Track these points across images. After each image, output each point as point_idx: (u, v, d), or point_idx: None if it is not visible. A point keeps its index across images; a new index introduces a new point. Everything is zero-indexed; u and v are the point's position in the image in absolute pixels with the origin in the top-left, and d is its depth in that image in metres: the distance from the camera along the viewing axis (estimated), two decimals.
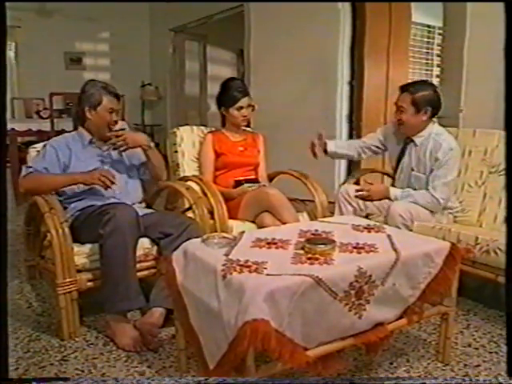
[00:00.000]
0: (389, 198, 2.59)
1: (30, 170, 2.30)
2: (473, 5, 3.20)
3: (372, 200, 2.65)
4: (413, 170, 2.62)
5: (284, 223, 2.33)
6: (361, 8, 4.36)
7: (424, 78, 2.92)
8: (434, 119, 2.63)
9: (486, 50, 3.09)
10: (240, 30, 5.55)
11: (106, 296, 2.03)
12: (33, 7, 6.83)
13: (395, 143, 2.73)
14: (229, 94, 2.70)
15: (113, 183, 2.22)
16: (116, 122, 2.41)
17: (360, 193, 2.65)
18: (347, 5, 4.38)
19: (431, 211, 2.53)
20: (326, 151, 2.81)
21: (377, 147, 2.84)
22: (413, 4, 5.07)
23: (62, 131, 4.80)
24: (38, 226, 2.30)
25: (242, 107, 2.70)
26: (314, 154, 2.77)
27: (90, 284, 2.08)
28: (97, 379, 1.79)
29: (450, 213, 2.64)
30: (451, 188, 2.60)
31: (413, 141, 2.61)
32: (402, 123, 2.58)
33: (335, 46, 4.39)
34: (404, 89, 2.56)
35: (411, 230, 2.38)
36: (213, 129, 2.91)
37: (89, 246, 2.11)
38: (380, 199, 2.64)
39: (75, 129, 2.49)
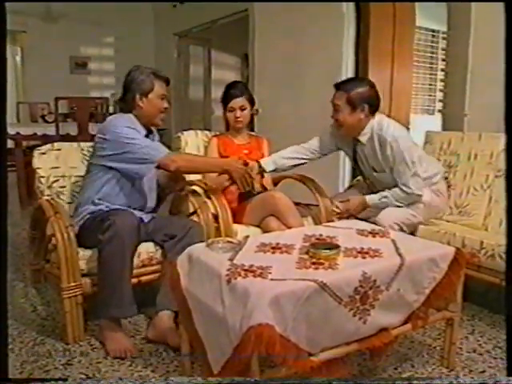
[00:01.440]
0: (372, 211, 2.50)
1: (169, 151, 2.27)
2: (477, 9, 3.20)
3: (354, 215, 2.54)
4: (375, 170, 2.54)
5: (289, 227, 2.33)
6: (365, 12, 4.37)
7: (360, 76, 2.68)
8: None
9: (490, 54, 3.09)
10: (244, 34, 5.57)
11: (101, 301, 2.03)
12: (39, 12, 6.88)
13: (345, 145, 2.65)
14: (223, 97, 2.77)
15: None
16: (166, 109, 2.34)
17: (339, 212, 2.53)
18: (351, 9, 4.39)
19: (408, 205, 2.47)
20: (262, 171, 2.64)
21: (328, 149, 2.72)
22: (417, 8, 5.07)
23: (67, 135, 4.82)
24: (43, 230, 2.29)
25: (233, 108, 2.72)
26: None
27: (94, 288, 2.08)
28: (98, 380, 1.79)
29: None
30: (421, 175, 2.46)
31: (359, 141, 2.52)
32: (340, 124, 2.48)
33: (339, 51, 4.39)
34: (338, 87, 2.46)
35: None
36: (217, 133, 2.92)
37: (94, 250, 2.10)
38: (362, 210, 2.55)
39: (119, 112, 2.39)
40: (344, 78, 4.42)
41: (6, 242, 1.43)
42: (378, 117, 2.49)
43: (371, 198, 2.51)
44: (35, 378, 1.80)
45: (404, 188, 2.43)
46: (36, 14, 6.88)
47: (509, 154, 1.49)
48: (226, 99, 2.75)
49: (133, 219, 2.08)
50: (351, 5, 4.40)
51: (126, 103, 2.31)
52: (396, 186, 2.47)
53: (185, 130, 2.97)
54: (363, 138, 2.50)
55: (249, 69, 5.66)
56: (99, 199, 2.25)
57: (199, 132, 2.95)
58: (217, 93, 2.76)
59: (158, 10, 7.90)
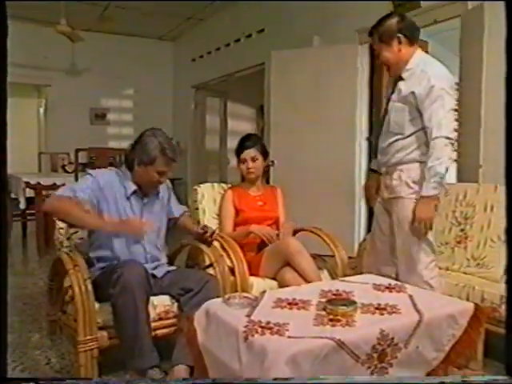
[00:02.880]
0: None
1: (70, 195, 2.18)
2: (488, 60, 3.23)
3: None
4: (394, 102, 2.40)
5: (304, 278, 2.35)
6: (379, 65, 4.49)
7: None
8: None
9: (503, 105, 3.12)
10: (260, 86, 5.73)
11: (124, 354, 2.04)
12: (64, 67, 7.16)
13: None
14: (237, 149, 2.83)
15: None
16: (161, 183, 2.35)
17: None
18: (366, 63, 4.52)
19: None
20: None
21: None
22: None
23: None
24: (61, 281, 2.31)
25: (245, 160, 2.78)
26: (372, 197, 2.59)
27: (110, 341, 2.07)
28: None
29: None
30: (453, 119, 2.30)
31: (402, 78, 2.37)
32: (385, 65, 2.41)
33: (353, 103, 4.49)
34: (371, 33, 2.40)
35: None
36: (231, 185, 2.97)
37: (108, 302, 2.11)
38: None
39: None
40: (359, 130, 4.53)
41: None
42: (426, 55, 2.42)
43: (426, 189, 2.21)
44: (34, 378, 1.78)
45: (435, 131, 2.18)
46: (61, 68, 7.17)
47: (509, 208, 1.48)
48: (238, 151, 2.81)
49: (139, 269, 2.10)
50: (365, 59, 4.53)
51: (128, 160, 2.34)
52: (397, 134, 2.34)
53: (201, 183, 3.02)
54: (406, 74, 2.34)
55: (264, 120, 5.78)
56: (105, 253, 2.29)
57: (216, 185, 3.00)
58: (232, 143, 2.84)
59: (177, 63, 8.20)
